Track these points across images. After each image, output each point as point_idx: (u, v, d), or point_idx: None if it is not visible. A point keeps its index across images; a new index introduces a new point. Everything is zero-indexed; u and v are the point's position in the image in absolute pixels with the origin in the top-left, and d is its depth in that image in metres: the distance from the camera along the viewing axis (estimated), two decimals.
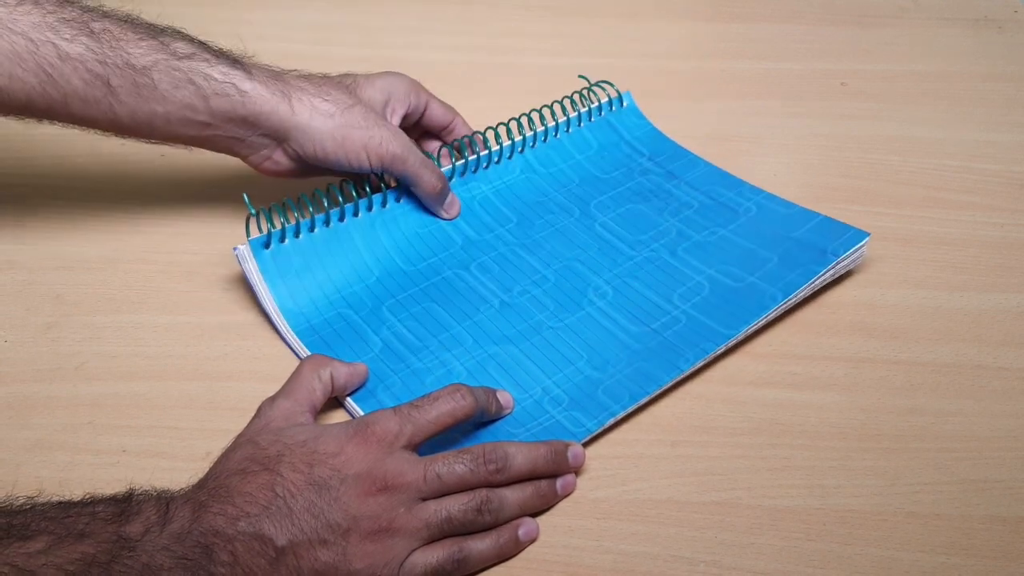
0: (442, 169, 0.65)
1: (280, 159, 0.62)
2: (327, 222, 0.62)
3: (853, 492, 0.51)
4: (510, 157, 0.68)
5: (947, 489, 0.51)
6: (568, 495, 0.51)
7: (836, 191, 0.68)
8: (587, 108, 0.72)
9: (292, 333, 0.57)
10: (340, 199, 0.62)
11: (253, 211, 0.59)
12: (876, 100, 0.76)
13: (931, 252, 0.64)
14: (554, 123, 0.70)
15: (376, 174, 0.63)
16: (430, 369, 0.56)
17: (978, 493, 0.51)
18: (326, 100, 0.61)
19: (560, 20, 0.85)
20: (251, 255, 0.59)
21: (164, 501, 0.43)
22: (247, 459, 0.45)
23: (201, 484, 0.45)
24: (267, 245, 0.59)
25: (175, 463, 0.52)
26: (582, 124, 0.71)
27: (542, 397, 0.54)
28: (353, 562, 0.44)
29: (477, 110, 0.74)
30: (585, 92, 0.72)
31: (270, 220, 0.59)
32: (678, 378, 0.55)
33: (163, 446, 0.53)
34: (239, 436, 0.48)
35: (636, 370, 0.55)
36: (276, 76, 0.61)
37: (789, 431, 0.54)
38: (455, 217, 0.65)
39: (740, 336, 0.57)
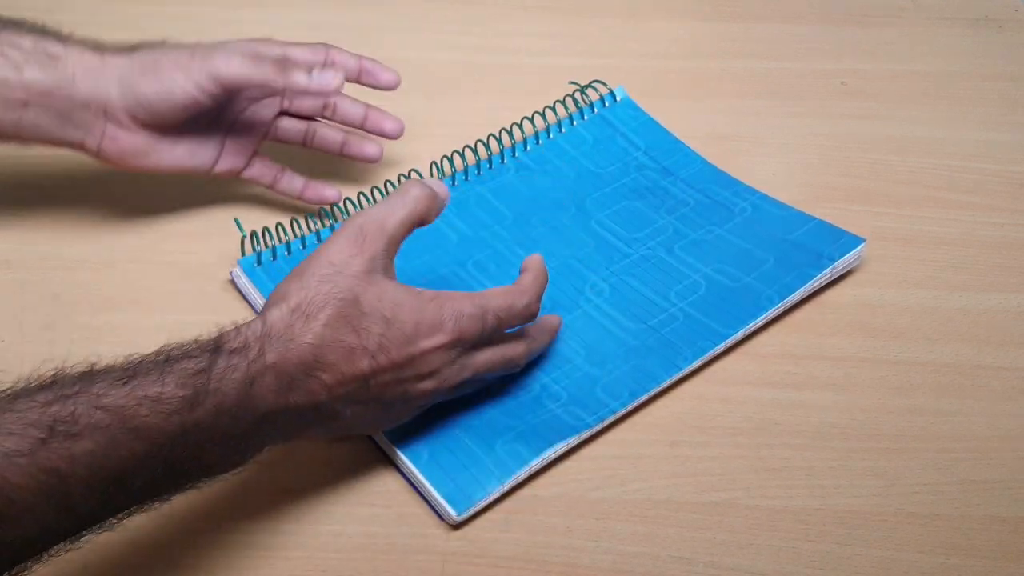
0: (442, 177, 0.65)
1: (115, 133, 0.58)
2: (318, 239, 0.62)
3: (852, 492, 0.51)
4: (503, 162, 0.68)
5: (946, 489, 0.51)
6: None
7: (836, 191, 0.68)
8: (579, 109, 0.72)
9: None
10: (332, 220, 0.63)
11: (244, 233, 0.60)
12: (876, 100, 0.76)
13: (930, 252, 0.64)
14: (545, 126, 0.70)
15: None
16: None
17: (977, 493, 0.51)
18: (143, 51, 0.58)
19: (559, 20, 0.85)
20: (243, 273, 0.60)
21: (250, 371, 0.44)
22: (348, 329, 0.46)
23: (292, 338, 0.45)
24: (258, 263, 0.60)
25: None
26: (575, 123, 0.71)
27: (540, 393, 0.54)
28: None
29: (477, 110, 0.74)
30: (578, 95, 0.72)
31: (259, 241, 0.61)
32: (677, 377, 0.55)
33: None
34: (341, 271, 0.47)
35: (634, 367, 0.55)
36: (95, 44, 0.58)
37: (788, 431, 0.54)
38: (334, 85, 0.59)
39: (738, 336, 0.57)
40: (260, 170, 0.64)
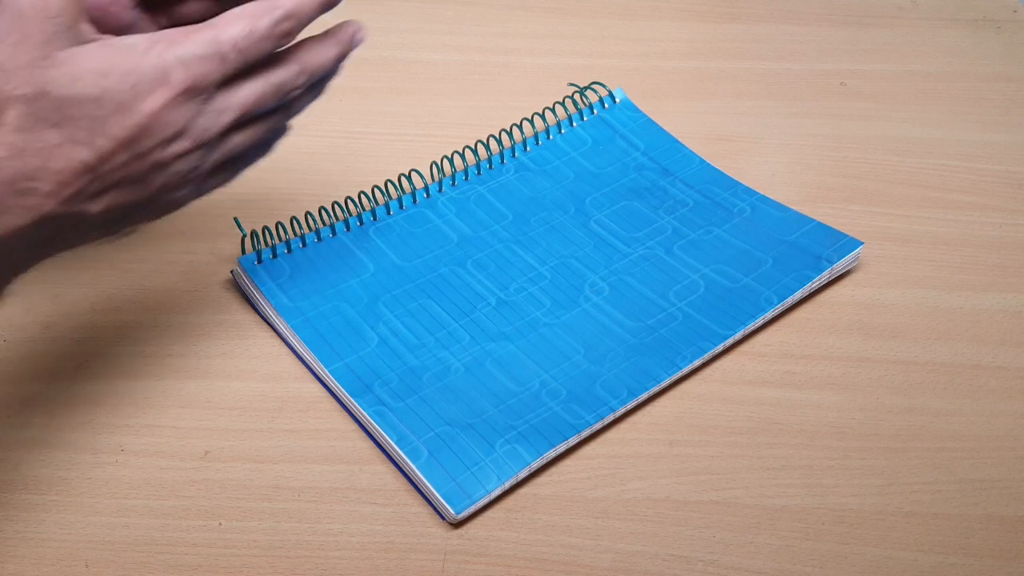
0: (441, 177, 0.65)
1: None
2: (318, 238, 0.62)
3: (851, 491, 0.51)
4: (503, 162, 0.69)
5: (945, 488, 0.51)
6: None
7: (836, 191, 0.68)
8: (579, 110, 0.72)
9: (288, 328, 0.57)
10: (332, 218, 0.63)
11: (244, 232, 0.60)
12: (876, 100, 0.76)
13: (930, 252, 0.64)
14: (545, 127, 0.71)
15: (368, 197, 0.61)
16: (427, 366, 0.56)
17: (976, 492, 0.51)
18: None
19: (559, 20, 0.85)
20: (244, 271, 0.60)
21: None
22: (46, 126, 0.39)
23: None
24: (258, 261, 0.60)
25: (173, 462, 0.52)
26: (575, 124, 0.71)
27: (540, 390, 0.54)
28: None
29: (476, 110, 0.74)
30: (577, 96, 0.72)
31: (260, 240, 0.61)
32: (676, 376, 0.56)
33: (162, 445, 0.53)
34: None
35: (634, 366, 0.55)
36: None
37: (787, 430, 0.54)
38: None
39: (736, 337, 0.57)
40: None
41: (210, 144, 0.42)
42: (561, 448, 0.52)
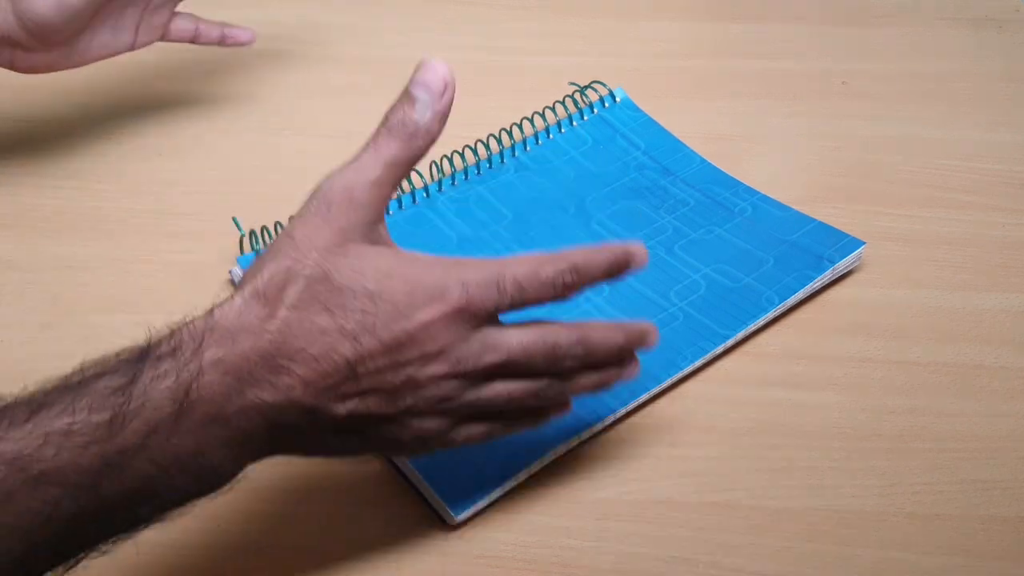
0: (441, 177, 0.65)
1: (24, 58, 0.59)
2: None
3: (853, 492, 0.51)
4: (503, 162, 0.68)
5: (947, 489, 0.51)
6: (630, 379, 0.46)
7: (837, 191, 0.68)
8: (579, 109, 0.72)
9: None
10: None
11: (243, 232, 0.60)
12: (876, 100, 0.76)
13: (931, 252, 0.64)
14: (545, 127, 0.71)
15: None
16: None
17: (979, 493, 0.51)
18: None
19: (560, 20, 0.85)
20: (244, 271, 0.59)
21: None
22: (319, 308, 0.39)
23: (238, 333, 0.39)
24: None
25: None
26: (575, 124, 0.71)
27: None
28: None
29: (477, 110, 0.74)
30: (577, 95, 0.72)
31: (259, 240, 0.61)
32: (677, 377, 0.55)
33: None
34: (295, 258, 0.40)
35: None
36: None
37: (789, 431, 0.54)
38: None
39: (738, 337, 0.57)
40: (180, 27, 0.66)
41: (468, 377, 0.41)
42: (561, 450, 0.52)
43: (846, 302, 0.61)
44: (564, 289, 0.43)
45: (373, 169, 0.42)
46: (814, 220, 0.64)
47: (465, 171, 0.67)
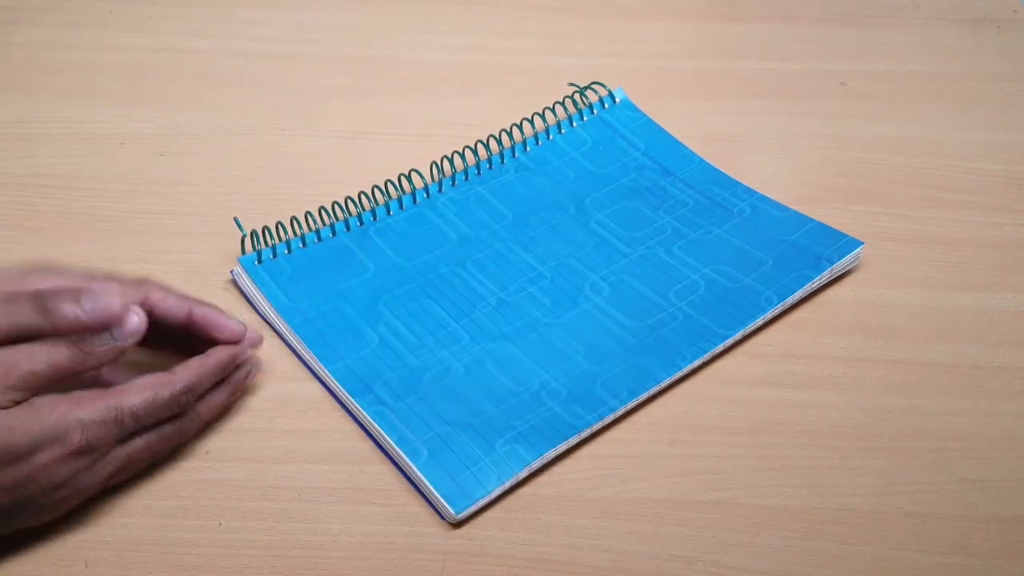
0: (441, 178, 0.65)
1: None
2: (318, 238, 0.62)
3: (852, 491, 0.51)
4: (502, 162, 0.69)
5: (946, 489, 0.51)
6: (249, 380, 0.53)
7: (836, 191, 0.68)
8: (579, 110, 0.72)
9: (288, 328, 0.57)
10: (332, 218, 0.63)
11: (244, 232, 0.60)
12: (876, 100, 0.76)
13: (931, 252, 0.64)
14: (545, 127, 0.71)
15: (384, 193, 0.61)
16: (427, 366, 0.56)
17: (977, 492, 0.51)
18: None
19: (559, 20, 0.85)
20: (244, 271, 0.60)
21: None
22: None
23: None
24: (259, 261, 0.60)
25: (174, 462, 0.52)
26: (575, 124, 0.72)
27: (540, 390, 0.54)
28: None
29: (476, 110, 0.74)
30: (577, 96, 0.72)
31: (260, 240, 0.61)
32: (676, 376, 0.56)
33: None
34: None
35: (633, 365, 0.55)
36: None
37: (788, 430, 0.54)
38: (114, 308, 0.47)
39: (737, 337, 0.57)
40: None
41: (92, 488, 0.47)
42: (561, 448, 0.52)
43: (845, 302, 0.61)
44: (180, 407, 0.49)
45: (37, 362, 0.44)
46: (813, 220, 0.64)
47: (465, 171, 0.67)
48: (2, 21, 0.84)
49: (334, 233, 0.63)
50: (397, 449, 0.52)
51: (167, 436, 0.49)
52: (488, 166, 0.68)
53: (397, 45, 0.82)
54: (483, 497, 0.50)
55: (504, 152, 0.69)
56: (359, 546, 0.49)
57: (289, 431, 0.54)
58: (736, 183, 0.67)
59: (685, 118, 0.73)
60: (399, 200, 0.65)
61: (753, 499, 0.51)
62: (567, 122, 0.72)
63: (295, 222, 0.62)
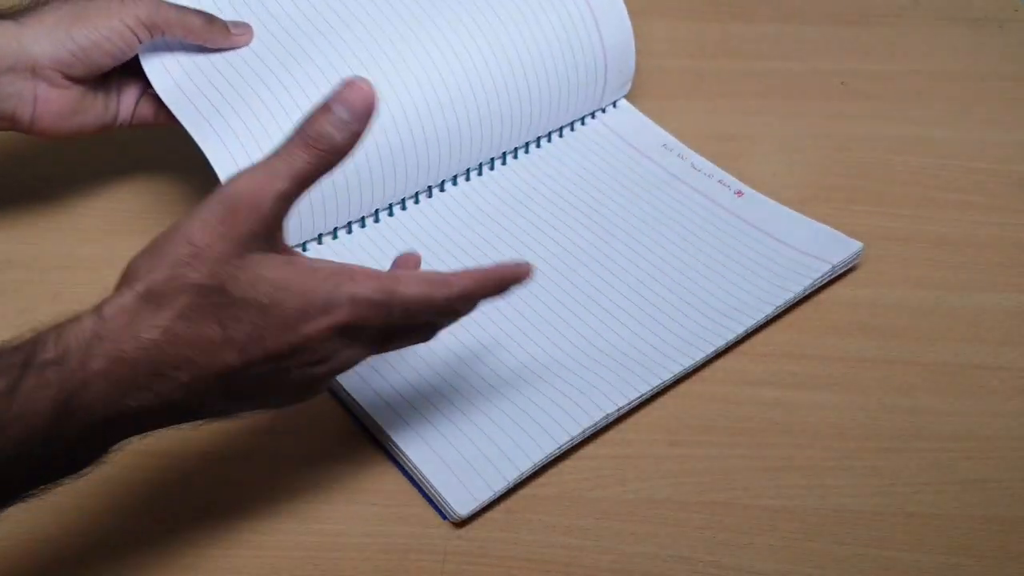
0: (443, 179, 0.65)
1: (47, 94, 0.56)
2: (319, 241, 0.62)
3: (852, 492, 0.51)
4: (504, 164, 0.68)
5: (946, 489, 0.51)
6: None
7: (836, 191, 0.68)
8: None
9: None
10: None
11: None
12: (876, 100, 0.76)
13: (930, 252, 0.64)
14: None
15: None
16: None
17: (977, 493, 0.51)
18: (58, 3, 0.56)
19: None
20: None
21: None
22: (210, 319, 0.40)
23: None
24: None
25: (174, 462, 0.52)
26: (574, 128, 0.71)
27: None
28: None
29: None
30: None
31: None
32: (676, 376, 0.55)
33: (162, 445, 0.53)
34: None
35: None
36: (2, 11, 0.56)
37: (788, 431, 0.54)
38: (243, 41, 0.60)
39: (736, 337, 0.57)
40: None
41: (336, 372, 0.44)
42: (565, 446, 0.52)
43: (845, 302, 0.61)
44: (452, 316, 0.45)
45: (283, 180, 0.41)
46: (812, 220, 0.64)
47: (467, 173, 0.67)
48: None
49: (335, 235, 0.63)
50: (400, 448, 0.52)
51: (417, 337, 0.45)
52: (490, 167, 0.68)
53: None
54: (488, 496, 0.50)
55: (505, 155, 0.69)
56: (359, 546, 0.49)
57: (290, 431, 0.54)
58: (736, 183, 0.67)
59: (685, 118, 0.73)
60: (401, 200, 0.65)
61: (753, 500, 0.51)
62: (567, 127, 0.71)
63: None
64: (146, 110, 0.62)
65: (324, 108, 0.41)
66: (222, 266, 0.39)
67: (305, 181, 0.41)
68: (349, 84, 0.41)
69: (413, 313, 0.42)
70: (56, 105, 0.57)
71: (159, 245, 0.40)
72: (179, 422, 0.42)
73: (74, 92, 0.57)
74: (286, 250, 0.43)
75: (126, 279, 0.40)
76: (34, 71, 0.55)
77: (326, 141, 0.41)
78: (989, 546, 0.49)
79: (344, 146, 0.41)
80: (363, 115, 0.41)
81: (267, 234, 0.41)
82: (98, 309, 0.39)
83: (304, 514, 0.50)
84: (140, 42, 0.57)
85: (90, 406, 0.38)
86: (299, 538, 0.49)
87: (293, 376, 0.42)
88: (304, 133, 0.41)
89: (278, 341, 0.40)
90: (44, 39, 0.55)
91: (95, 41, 0.55)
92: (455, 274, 0.43)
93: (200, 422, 0.43)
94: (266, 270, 0.40)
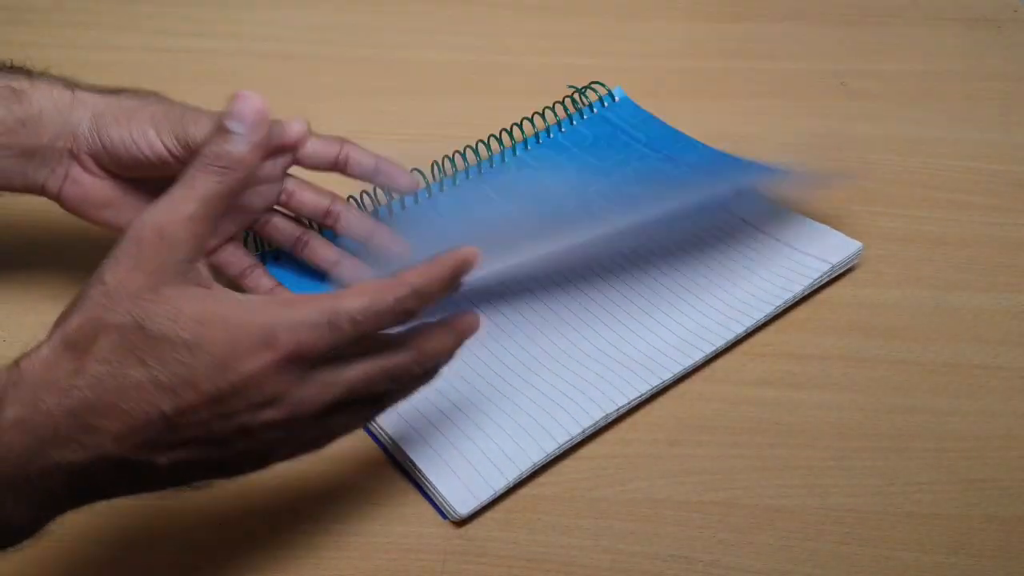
0: (443, 178, 0.65)
1: (79, 176, 0.53)
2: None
3: (851, 491, 0.51)
4: (504, 161, 0.69)
5: (945, 489, 0.51)
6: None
7: (836, 191, 0.68)
8: (579, 109, 0.72)
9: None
10: (332, 221, 0.63)
11: (247, 233, 0.60)
12: (876, 100, 0.76)
13: (931, 252, 0.64)
14: (546, 126, 0.71)
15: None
16: None
17: (976, 492, 0.51)
18: (126, 96, 0.53)
19: (559, 20, 0.85)
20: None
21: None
22: (133, 361, 0.37)
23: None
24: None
25: None
26: (575, 123, 0.71)
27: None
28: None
29: (477, 110, 0.74)
30: (576, 96, 0.72)
31: (262, 242, 0.61)
32: (676, 375, 0.56)
33: None
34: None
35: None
36: (65, 81, 0.53)
37: (787, 430, 0.54)
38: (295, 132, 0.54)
39: (736, 336, 0.57)
40: (229, 260, 0.56)
41: (306, 418, 0.39)
42: (565, 445, 0.52)
43: (844, 302, 0.61)
44: (405, 315, 0.40)
45: (186, 205, 0.40)
46: (812, 220, 0.64)
47: (467, 171, 0.67)
48: (2, 21, 0.84)
49: (336, 234, 0.63)
50: (400, 448, 0.52)
51: (389, 369, 0.40)
52: (490, 165, 0.68)
53: (397, 45, 0.82)
54: (488, 495, 0.50)
55: (505, 151, 0.69)
56: (359, 546, 0.49)
57: None
58: (739, 175, 0.66)
59: (685, 118, 0.73)
60: (401, 200, 0.65)
61: (753, 499, 0.51)
62: (567, 121, 0.71)
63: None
64: (229, 262, 0.57)
65: (217, 130, 0.42)
66: (135, 302, 0.37)
67: (213, 201, 0.40)
68: (238, 97, 0.42)
69: (363, 323, 0.38)
70: (85, 191, 0.53)
71: (81, 293, 0.39)
72: (142, 487, 0.39)
73: (110, 184, 0.53)
74: (210, 284, 0.41)
75: (51, 331, 0.38)
76: (71, 150, 0.52)
77: (224, 158, 0.41)
78: (989, 546, 0.49)
79: (244, 158, 0.42)
80: (255, 124, 0.42)
81: (182, 263, 0.39)
82: (15, 362, 0.37)
83: (304, 513, 0.50)
84: (180, 161, 0.50)
85: (7, 459, 0.36)
86: (299, 537, 0.49)
87: (244, 422, 0.38)
88: (202, 158, 0.41)
89: (214, 382, 0.37)
90: (86, 123, 0.52)
91: (126, 143, 0.51)
92: (398, 274, 0.40)
93: (186, 488, 0.40)
94: (186, 304, 0.37)
